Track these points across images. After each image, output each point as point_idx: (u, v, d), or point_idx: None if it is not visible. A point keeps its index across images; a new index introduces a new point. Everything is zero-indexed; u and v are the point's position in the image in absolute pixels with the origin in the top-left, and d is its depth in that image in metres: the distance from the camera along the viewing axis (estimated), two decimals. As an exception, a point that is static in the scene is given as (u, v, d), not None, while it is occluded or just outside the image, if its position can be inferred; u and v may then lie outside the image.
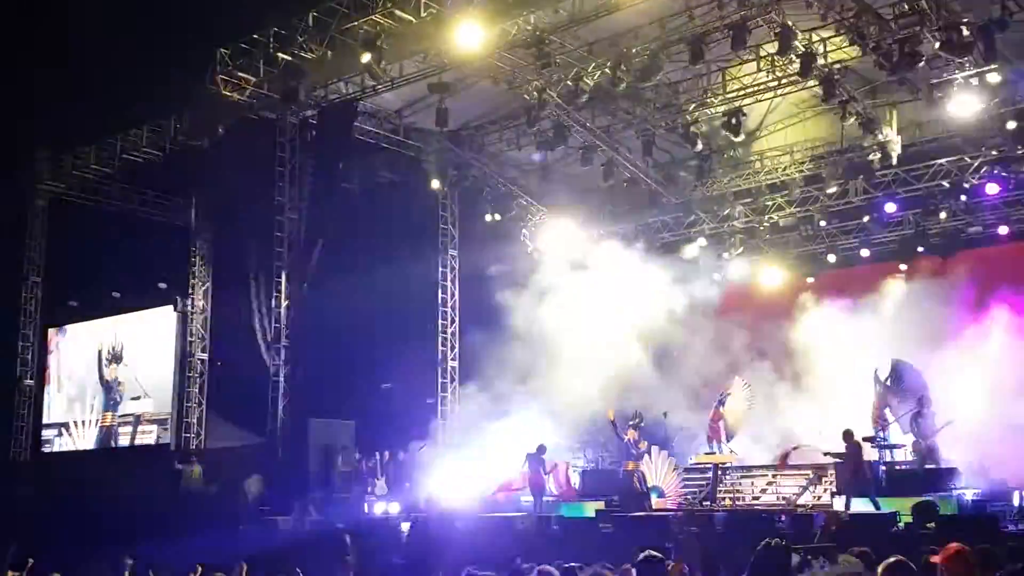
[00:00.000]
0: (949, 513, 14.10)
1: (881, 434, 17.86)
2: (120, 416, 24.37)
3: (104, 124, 22.81)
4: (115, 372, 24.76)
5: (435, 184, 22.22)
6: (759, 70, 18.45)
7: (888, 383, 18.43)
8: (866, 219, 21.14)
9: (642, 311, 21.51)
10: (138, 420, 23.81)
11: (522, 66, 18.24)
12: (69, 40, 21.08)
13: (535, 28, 16.65)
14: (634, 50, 17.09)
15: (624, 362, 20.68)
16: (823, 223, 21.56)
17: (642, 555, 6.57)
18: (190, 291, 23.08)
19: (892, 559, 5.72)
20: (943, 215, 20.51)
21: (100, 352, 25.08)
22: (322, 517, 17.92)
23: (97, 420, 24.85)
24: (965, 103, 16.57)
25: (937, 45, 15.19)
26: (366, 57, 17.00)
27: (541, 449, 18.57)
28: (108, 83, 21.10)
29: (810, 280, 22.75)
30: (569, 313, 21.47)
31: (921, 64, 15.72)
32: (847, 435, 16.09)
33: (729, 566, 8.53)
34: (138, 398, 23.97)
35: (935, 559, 5.72)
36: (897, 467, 17.21)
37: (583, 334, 21.23)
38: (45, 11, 20.52)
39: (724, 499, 18.94)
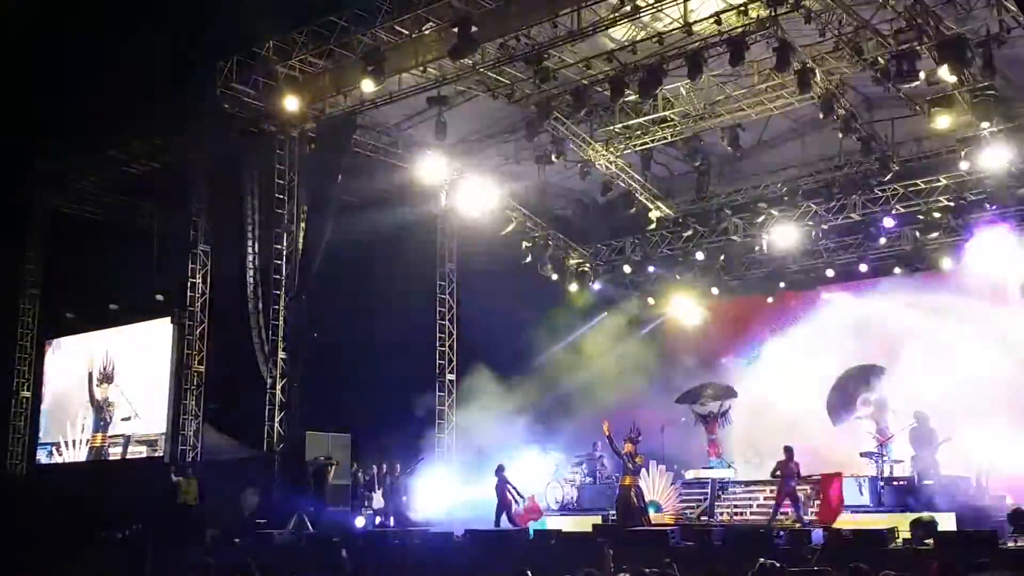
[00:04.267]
0: (947, 529, 14.04)
1: (880, 449, 17.84)
2: (110, 436, 24.32)
3: (104, 136, 22.80)
4: (106, 392, 24.69)
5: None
6: (758, 85, 18.48)
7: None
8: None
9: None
10: (128, 440, 23.76)
11: (521, 80, 18.29)
12: (69, 52, 21.09)
13: (534, 42, 16.69)
14: (632, 64, 17.13)
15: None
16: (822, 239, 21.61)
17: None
18: (188, 303, 23.04)
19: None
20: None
21: (91, 372, 25.02)
22: (318, 531, 17.85)
23: (87, 440, 24.79)
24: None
25: (935, 60, 15.26)
26: (365, 71, 17.03)
27: (500, 468, 18.79)
28: (108, 95, 21.11)
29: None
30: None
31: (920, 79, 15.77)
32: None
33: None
34: (128, 419, 23.90)
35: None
36: (895, 482, 17.16)
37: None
38: (45, 23, 20.52)
39: (722, 514, 18.88)
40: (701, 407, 22.23)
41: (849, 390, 21.41)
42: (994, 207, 19.19)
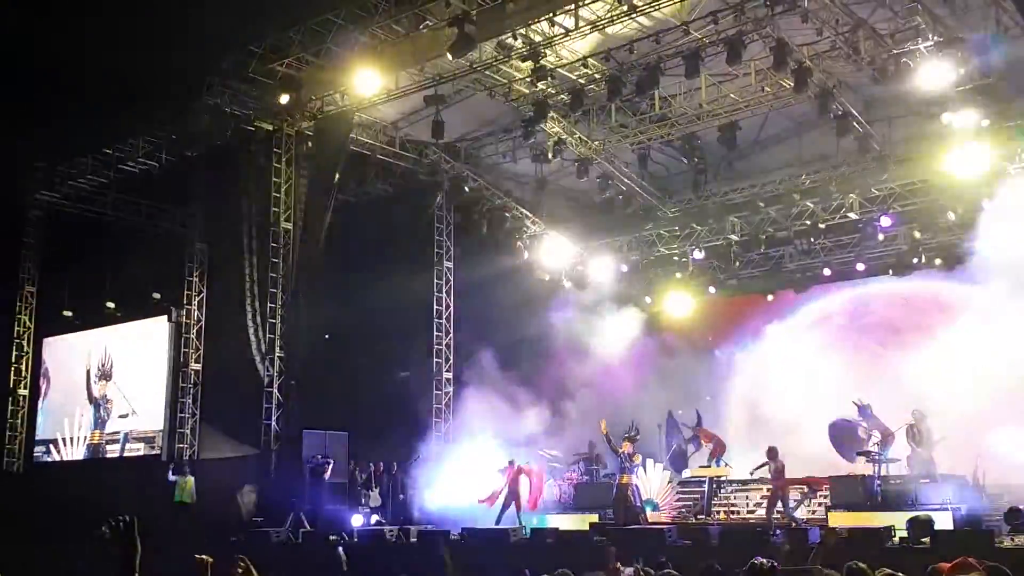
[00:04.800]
0: (944, 528, 14.05)
1: (878, 448, 17.84)
2: (108, 434, 24.32)
3: (101, 135, 22.77)
4: (104, 389, 24.71)
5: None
6: (754, 83, 18.48)
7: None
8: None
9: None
10: (126, 438, 23.77)
11: (518, 79, 18.28)
12: (68, 51, 21.07)
13: (531, 41, 16.69)
14: (630, 64, 17.13)
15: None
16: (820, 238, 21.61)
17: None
18: (185, 302, 23.04)
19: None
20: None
21: (89, 370, 25.01)
22: (315, 529, 17.84)
23: (85, 437, 24.78)
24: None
25: (933, 60, 15.27)
26: (362, 70, 17.04)
27: (511, 464, 18.77)
28: (105, 94, 21.08)
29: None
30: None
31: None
32: None
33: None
34: (126, 416, 23.91)
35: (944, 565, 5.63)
36: (892, 481, 17.16)
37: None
38: (44, 22, 20.50)
39: (719, 512, 18.89)
40: (687, 443, 21.74)
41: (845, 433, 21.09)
42: (991, 205, 19.19)
